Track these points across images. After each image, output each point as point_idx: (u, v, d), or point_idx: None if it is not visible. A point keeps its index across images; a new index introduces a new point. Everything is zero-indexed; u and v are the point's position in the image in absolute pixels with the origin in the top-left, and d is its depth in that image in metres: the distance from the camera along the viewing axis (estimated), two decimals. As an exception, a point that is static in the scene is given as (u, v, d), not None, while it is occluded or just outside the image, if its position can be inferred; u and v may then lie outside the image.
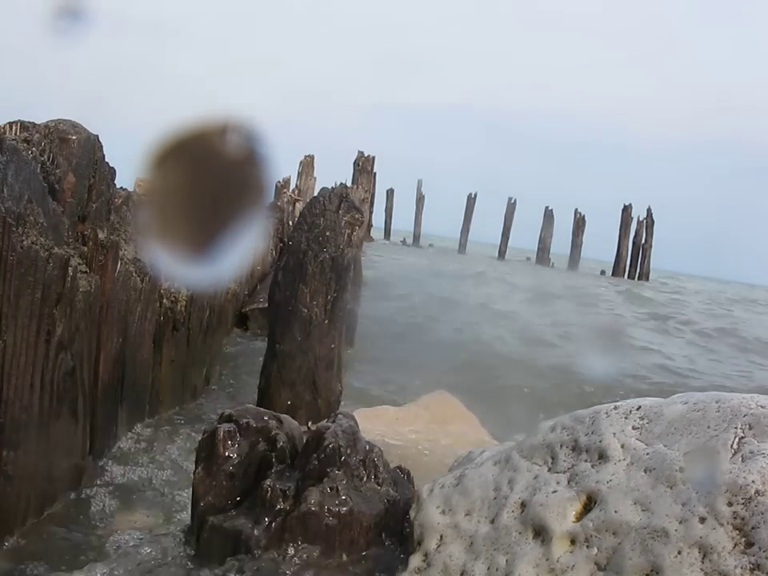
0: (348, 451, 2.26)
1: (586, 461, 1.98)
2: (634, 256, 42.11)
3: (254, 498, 2.26)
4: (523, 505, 1.99)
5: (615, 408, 2.06)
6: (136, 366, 3.90)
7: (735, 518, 1.62)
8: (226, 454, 2.36)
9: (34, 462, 2.75)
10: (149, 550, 2.67)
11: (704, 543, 1.62)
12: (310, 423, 3.96)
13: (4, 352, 2.56)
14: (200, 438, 2.52)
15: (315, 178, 26.94)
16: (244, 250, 1.06)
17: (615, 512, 1.79)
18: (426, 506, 2.20)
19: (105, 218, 3.67)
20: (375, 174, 37.18)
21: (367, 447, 2.35)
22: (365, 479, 2.26)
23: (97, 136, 3.58)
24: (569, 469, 2.00)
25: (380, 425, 4.24)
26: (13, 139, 2.82)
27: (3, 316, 2.55)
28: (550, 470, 2.05)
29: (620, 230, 42.54)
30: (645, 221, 42.04)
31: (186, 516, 2.65)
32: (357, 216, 5.10)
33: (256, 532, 2.15)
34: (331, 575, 2.12)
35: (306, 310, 4.92)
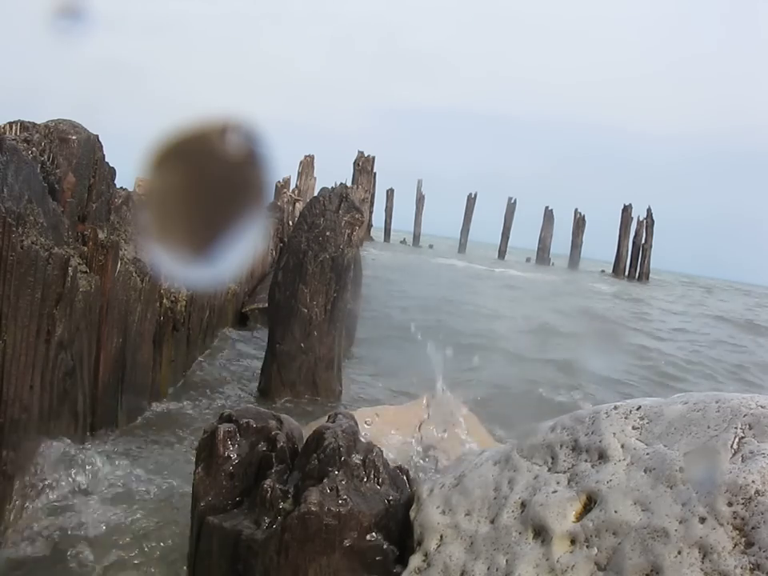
0: (348, 451, 2.26)
1: (586, 461, 1.98)
2: (634, 256, 42.14)
3: (253, 498, 2.26)
4: (523, 505, 1.99)
5: (615, 408, 2.06)
6: (136, 365, 3.90)
7: (735, 517, 1.62)
8: (226, 454, 2.36)
9: (33, 462, 2.75)
10: (146, 552, 2.67)
11: (704, 543, 1.62)
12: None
13: (4, 352, 2.56)
14: (200, 438, 2.52)
15: (315, 177, 26.99)
16: (244, 249, 1.05)
17: (615, 512, 1.79)
18: (425, 506, 2.20)
19: (105, 218, 3.68)
20: (375, 174, 37.23)
21: (367, 447, 2.35)
22: (365, 479, 2.26)
23: (97, 136, 3.58)
24: (569, 469, 2.00)
25: (380, 425, 4.24)
26: (13, 139, 2.82)
27: (3, 316, 2.55)
28: (550, 470, 2.05)
29: (620, 230, 42.57)
30: (645, 221, 42.05)
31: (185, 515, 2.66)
32: (357, 216, 5.10)
33: (256, 532, 2.15)
34: (330, 574, 2.12)
35: (306, 310, 4.93)
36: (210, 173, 1.04)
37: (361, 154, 35.94)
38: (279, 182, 15.36)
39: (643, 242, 41.69)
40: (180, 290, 4.77)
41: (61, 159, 3.21)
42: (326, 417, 2.53)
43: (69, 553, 2.59)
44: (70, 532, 2.71)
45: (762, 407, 1.79)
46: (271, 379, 5.03)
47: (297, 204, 12.86)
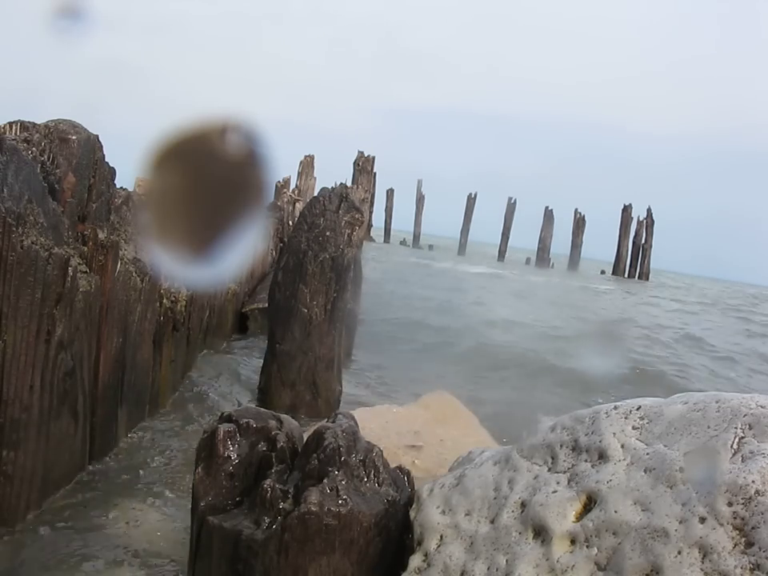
0: (348, 451, 2.26)
1: (586, 461, 1.98)
2: (634, 256, 42.14)
3: (253, 498, 2.26)
4: (523, 505, 1.99)
5: (615, 408, 2.06)
6: (136, 365, 3.90)
7: (735, 518, 1.62)
8: (226, 454, 2.36)
9: (33, 462, 2.75)
10: (147, 553, 2.67)
11: (704, 543, 1.62)
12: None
13: (4, 352, 2.56)
14: (200, 438, 2.52)
15: (315, 177, 26.99)
16: (244, 249, 1.05)
17: (615, 512, 1.79)
18: (425, 506, 2.20)
19: (105, 218, 3.68)
20: (375, 174, 37.23)
21: (367, 447, 2.35)
22: (365, 479, 2.26)
23: (97, 136, 3.58)
24: (569, 469, 2.00)
25: (380, 425, 4.24)
26: (13, 139, 2.82)
27: (3, 316, 2.55)
28: (550, 470, 2.05)
29: (620, 229, 42.57)
30: (645, 221, 42.05)
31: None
32: (357, 216, 5.10)
33: (256, 532, 2.15)
34: (330, 574, 2.12)
35: (306, 310, 4.92)
36: (210, 173, 1.04)
37: (361, 154, 35.93)
38: (279, 181, 15.36)
39: (643, 242, 41.70)
40: (180, 290, 4.77)
41: (61, 159, 3.21)
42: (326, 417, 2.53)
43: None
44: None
45: (761, 407, 1.79)
46: (271, 379, 5.03)
47: (297, 204, 12.86)
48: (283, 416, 2.60)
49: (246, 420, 2.44)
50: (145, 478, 3.37)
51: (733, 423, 1.78)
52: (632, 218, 41.99)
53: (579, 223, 43.95)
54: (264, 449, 2.40)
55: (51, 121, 3.34)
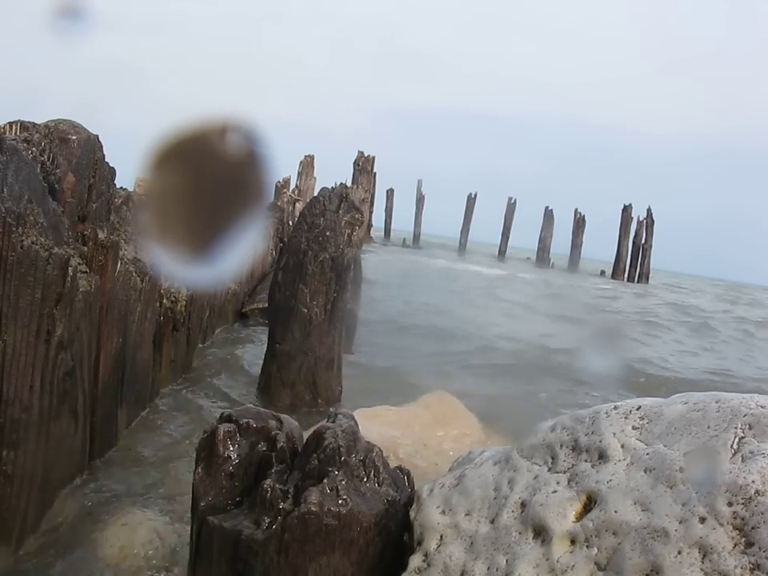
0: (348, 451, 2.26)
1: (586, 461, 1.98)
2: (634, 256, 42.11)
3: (253, 498, 2.26)
4: (523, 505, 1.99)
5: (615, 408, 2.06)
6: (136, 365, 3.90)
7: (735, 518, 1.62)
8: (226, 454, 2.36)
9: (33, 462, 2.75)
10: (147, 553, 2.67)
11: (704, 543, 1.62)
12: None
13: (4, 352, 2.56)
14: (200, 438, 2.52)
15: (315, 177, 27.02)
16: (244, 249, 1.05)
17: (615, 512, 1.79)
18: (425, 506, 2.20)
19: (105, 218, 3.68)
20: (375, 174, 37.22)
21: (367, 447, 2.34)
22: (365, 479, 2.26)
23: (97, 136, 3.58)
24: (569, 469, 2.00)
25: (380, 425, 4.24)
26: (13, 139, 2.82)
27: (3, 316, 2.55)
28: (550, 470, 2.05)
29: (620, 229, 42.53)
30: (645, 221, 42.03)
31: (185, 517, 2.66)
32: (357, 216, 5.10)
33: (256, 532, 2.15)
34: (330, 574, 2.12)
35: (306, 310, 4.92)
36: (210, 173, 1.04)
37: (361, 153, 35.92)
38: (279, 181, 15.37)
39: (643, 242, 41.68)
40: (180, 289, 4.77)
41: (61, 159, 3.21)
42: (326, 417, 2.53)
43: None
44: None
45: (762, 407, 1.79)
46: (271, 379, 5.03)
47: (297, 204, 12.88)
48: (283, 416, 2.60)
49: (246, 420, 2.44)
50: (144, 479, 3.37)
51: (733, 423, 1.78)
52: (632, 218, 41.96)
53: (579, 223, 43.95)
54: (264, 449, 2.40)
55: (51, 121, 3.34)
